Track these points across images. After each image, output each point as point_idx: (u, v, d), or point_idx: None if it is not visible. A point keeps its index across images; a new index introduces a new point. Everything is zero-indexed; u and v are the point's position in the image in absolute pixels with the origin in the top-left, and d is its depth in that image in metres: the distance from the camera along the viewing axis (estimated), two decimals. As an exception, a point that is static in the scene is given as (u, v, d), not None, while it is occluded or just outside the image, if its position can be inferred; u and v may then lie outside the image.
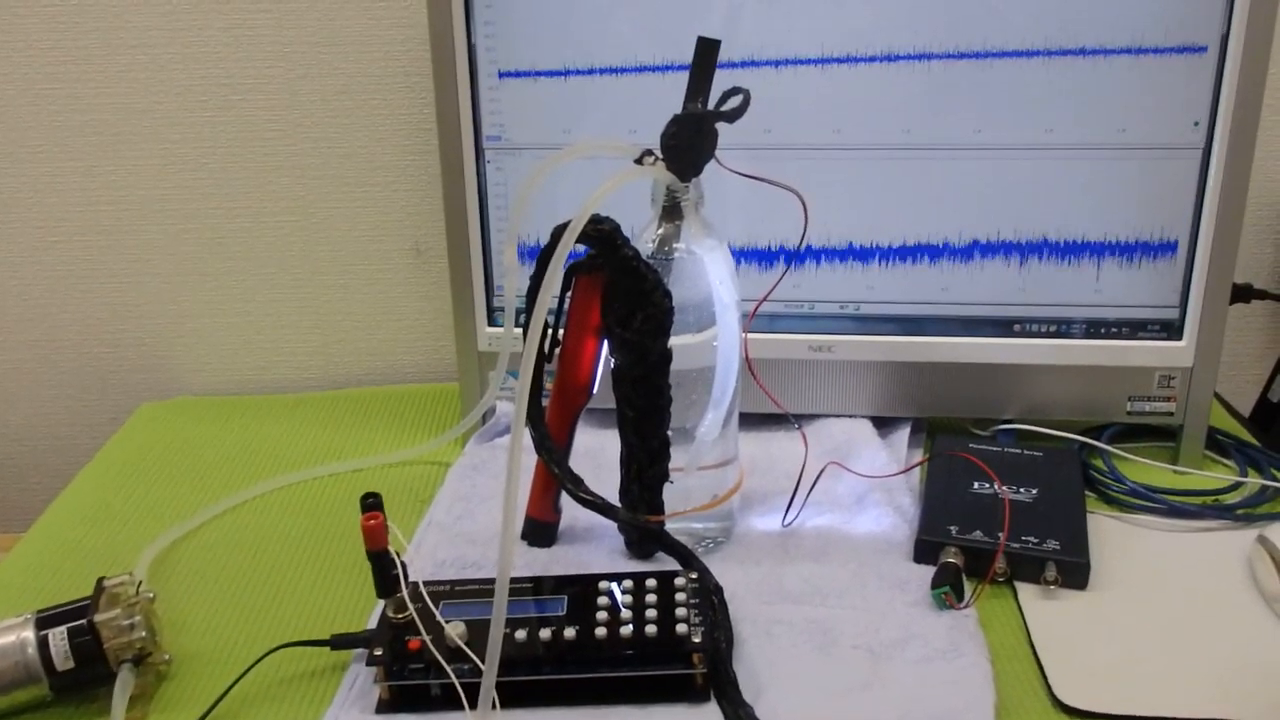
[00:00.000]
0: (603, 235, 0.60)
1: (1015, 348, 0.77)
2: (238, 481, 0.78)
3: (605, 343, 0.64)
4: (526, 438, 0.64)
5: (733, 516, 0.70)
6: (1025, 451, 0.75)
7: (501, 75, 0.75)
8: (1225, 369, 0.76)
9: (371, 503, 0.55)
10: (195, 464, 0.82)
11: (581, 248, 0.61)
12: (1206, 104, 0.70)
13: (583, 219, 0.56)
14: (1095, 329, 0.76)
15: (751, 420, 0.74)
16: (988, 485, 0.70)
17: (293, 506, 0.76)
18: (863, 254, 0.77)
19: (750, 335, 0.69)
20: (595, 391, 0.66)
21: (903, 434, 0.79)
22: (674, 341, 0.61)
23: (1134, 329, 0.76)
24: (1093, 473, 0.75)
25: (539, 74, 0.75)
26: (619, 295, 0.61)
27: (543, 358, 0.64)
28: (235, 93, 0.89)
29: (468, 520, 0.72)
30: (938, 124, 0.73)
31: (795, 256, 0.76)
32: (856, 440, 0.78)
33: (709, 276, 0.63)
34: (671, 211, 0.62)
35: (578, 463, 0.67)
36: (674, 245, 0.63)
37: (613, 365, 0.63)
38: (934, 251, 0.76)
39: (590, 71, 0.74)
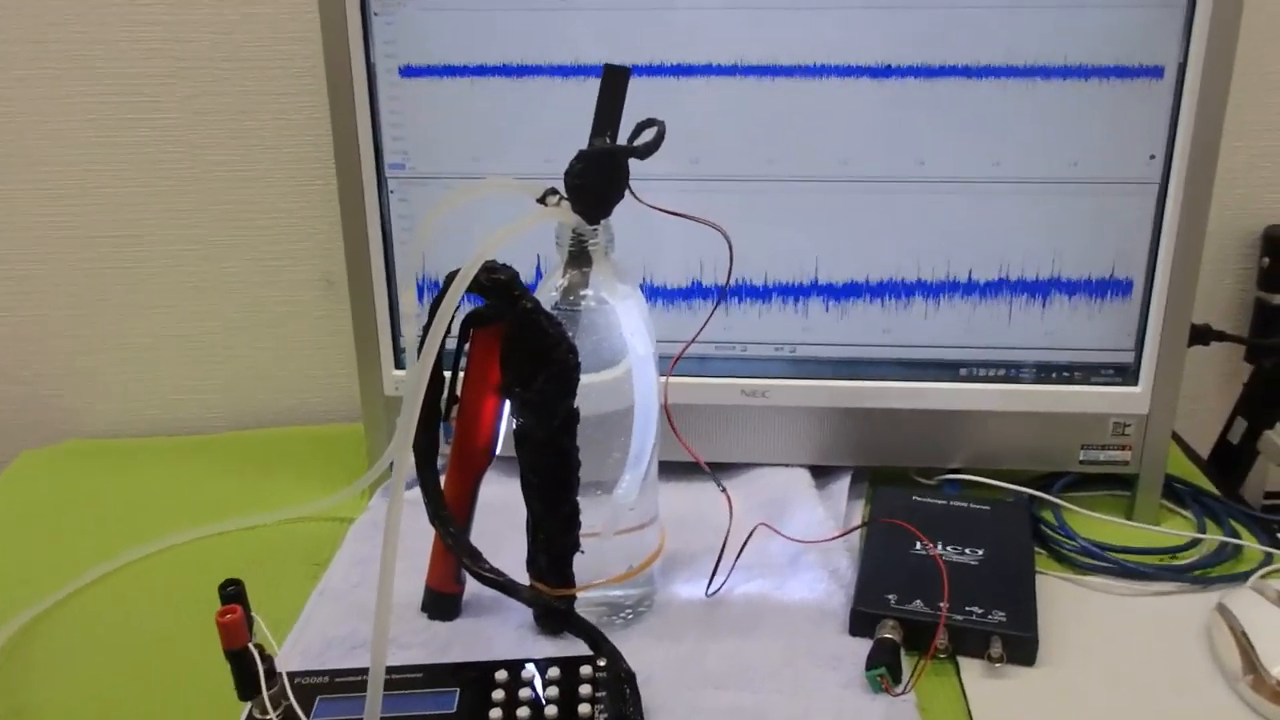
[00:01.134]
0: (498, 285, 0.54)
1: (961, 393, 0.71)
2: (121, 541, 0.71)
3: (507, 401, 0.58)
4: (418, 498, 0.58)
5: (654, 583, 0.64)
6: (972, 505, 0.70)
7: (403, 72, 0.68)
8: (1184, 406, 0.71)
9: (231, 592, 0.49)
10: (75, 521, 0.75)
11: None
12: (1163, 136, 0.66)
13: (474, 267, 0.50)
14: (1046, 373, 0.71)
15: (677, 470, 0.69)
16: (930, 547, 0.65)
17: (177, 571, 0.69)
18: (798, 293, 0.71)
19: (678, 379, 0.63)
20: (498, 453, 0.60)
21: (842, 484, 0.74)
22: (581, 380, 0.55)
23: (1087, 373, 0.71)
24: (1043, 527, 0.70)
25: (445, 71, 0.68)
26: (519, 351, 0.55)
27: (437, 416, 0.58)
28: (128, 112, 0.82)
29: (365, 588, 0.66)
30: (877, 155, 0.68)
31: (721, 295, 0.71)
32: (792, 494, 0.72)
33: (621, 328, 0.57)
34: (578, 257, 0.56)
35: (488, 520, 0.61)
36: (581, 294, 0.57)
37: (514, 426, 0.57)
38: (874, 290, 0.71)
39: (501, 70, 0.68)
